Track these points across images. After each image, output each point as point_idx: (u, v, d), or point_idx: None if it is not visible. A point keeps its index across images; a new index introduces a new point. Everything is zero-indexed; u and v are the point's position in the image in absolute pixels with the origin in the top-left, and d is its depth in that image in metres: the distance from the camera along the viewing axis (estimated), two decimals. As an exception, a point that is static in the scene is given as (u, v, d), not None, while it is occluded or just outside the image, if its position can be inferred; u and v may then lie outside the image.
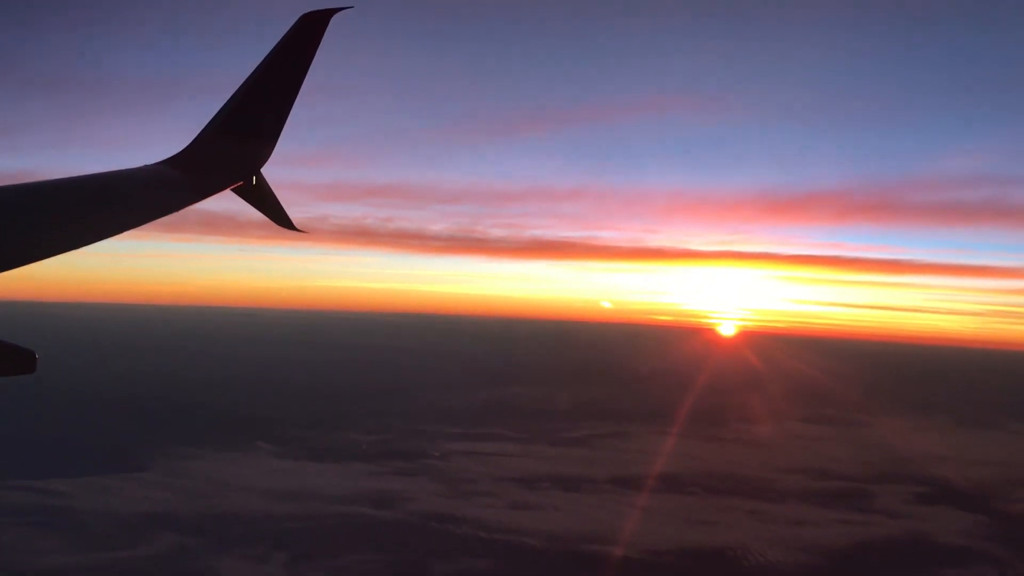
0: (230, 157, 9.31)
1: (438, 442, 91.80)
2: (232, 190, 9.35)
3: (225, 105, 9.37)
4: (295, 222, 10.05)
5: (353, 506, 64.97)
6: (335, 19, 8.68)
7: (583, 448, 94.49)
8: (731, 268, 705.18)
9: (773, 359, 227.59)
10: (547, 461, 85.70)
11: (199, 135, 9.37)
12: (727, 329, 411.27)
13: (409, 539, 57.75)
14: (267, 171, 9.71)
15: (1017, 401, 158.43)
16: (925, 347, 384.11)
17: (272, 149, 9.63)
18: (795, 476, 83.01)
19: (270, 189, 9.82)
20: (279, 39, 9.11)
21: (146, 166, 9.08)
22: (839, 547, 60.15)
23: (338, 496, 67.50)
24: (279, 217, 9.93)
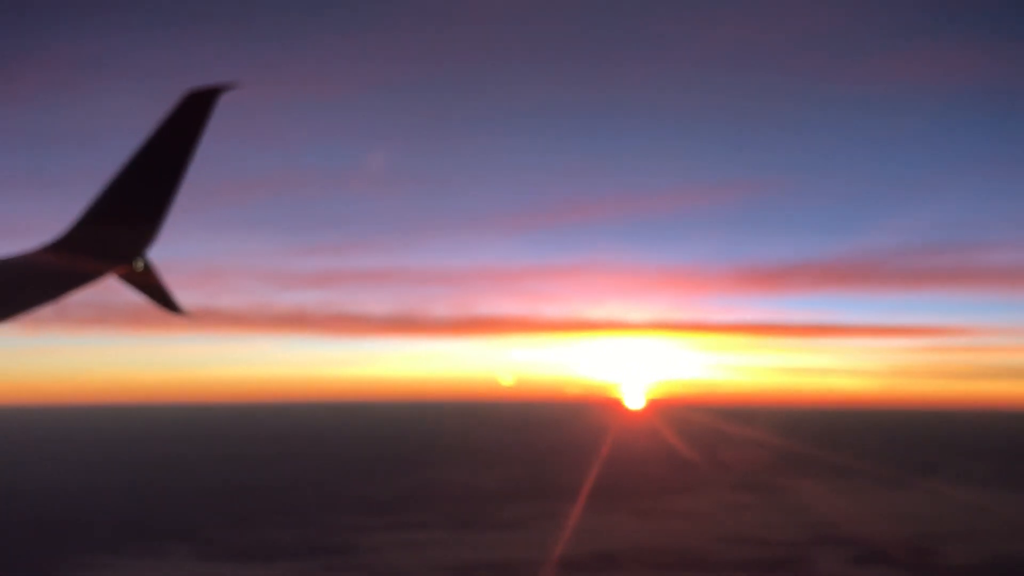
0: (112, 241, 8.70)
1: (365, 534, 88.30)
2: (116, 276, 8.94)
3: (103, 187, 8.78)
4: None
5: (286, 608, 61.47)
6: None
7: (514, 531, 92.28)
8: (660, 339, 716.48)
9: (689, 429, 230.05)
10: (480, 547, 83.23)
11: (78, 218, 8.81)
12: (644, 401, 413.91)
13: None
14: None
15: (922, 458, 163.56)
16: (831, 410, 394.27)
17: (156, 233, 8.99)
18: (732, 545, 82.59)
19: (157, 273, 9.36)
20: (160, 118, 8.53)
21: (19, 254, 8.43)
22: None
23: (268, 599, 63.85)
24: (165, 302, 9.56)
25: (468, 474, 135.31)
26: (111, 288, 8.91)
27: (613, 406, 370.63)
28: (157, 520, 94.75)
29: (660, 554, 79.04)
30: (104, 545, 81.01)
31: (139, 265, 9.06)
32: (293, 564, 75.67)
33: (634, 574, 72.02)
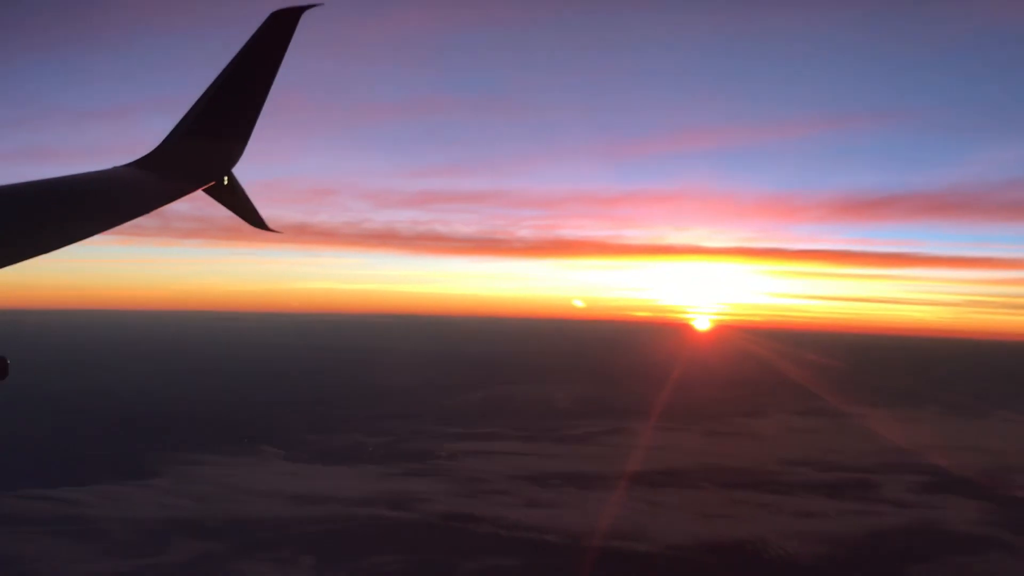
0: (200, 158, 9.20)
1: (443, 442, 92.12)
2: (204, 191, 9.25)
3: (194, 106, 9.25)
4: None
5: (371, 508, 65.13)
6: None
7: (587, 445, 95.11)
8: (737, 264, 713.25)
9: (761, 353, 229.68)
10: (554, 459, 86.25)
11: (168, 136, 9.28)
12: (714, 324, 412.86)
13: (431, 539, 58.12)
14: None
15: (996, 389, 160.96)
16: (902, 337, 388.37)
17: (242, 149, 9.48)
18: (799, 468, 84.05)
19: (242, 189, 9.72)
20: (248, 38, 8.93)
21: (115, 168, 8.92)
22: (854, 537, 61.12)
23: (354, 498, 67.67)
24: (251, 217, 9.85)
25: (542, 390, 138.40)
26: (211, 202, 9.53)
27: (687, 329, 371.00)
28: (249, 423, 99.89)
29: (727, 473, 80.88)
30: (198, 445, 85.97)
31: (225, 181, 9.39)
32: (376, 467, 79.67)
33: (702, 492, 74.09)
